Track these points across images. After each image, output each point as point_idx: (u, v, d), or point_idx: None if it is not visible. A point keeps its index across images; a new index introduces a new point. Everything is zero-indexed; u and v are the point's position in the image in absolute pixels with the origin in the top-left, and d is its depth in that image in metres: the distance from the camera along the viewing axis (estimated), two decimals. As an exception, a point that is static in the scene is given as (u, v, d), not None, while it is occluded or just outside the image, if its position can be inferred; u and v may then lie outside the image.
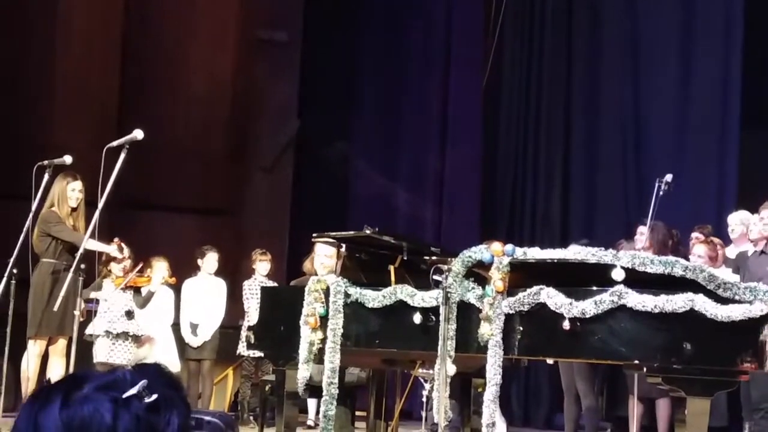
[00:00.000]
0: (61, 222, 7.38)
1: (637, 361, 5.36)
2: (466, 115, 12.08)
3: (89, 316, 8.04)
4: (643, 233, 7.84)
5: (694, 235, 8.07)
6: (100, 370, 7.84)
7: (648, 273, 5.25)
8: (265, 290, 7.78)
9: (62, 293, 6.62)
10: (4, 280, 6.78)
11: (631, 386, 7.50)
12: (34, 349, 7.31)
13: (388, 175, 12.35)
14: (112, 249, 7.90)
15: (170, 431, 1.29)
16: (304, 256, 7.75)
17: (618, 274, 5.29)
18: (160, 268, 8.35)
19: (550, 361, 7.90)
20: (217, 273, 9.46)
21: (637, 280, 5.27)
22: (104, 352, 8.04)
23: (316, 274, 7.07)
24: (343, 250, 6.69)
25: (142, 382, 1.29)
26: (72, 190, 7.48)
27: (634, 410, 7.53)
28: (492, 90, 12.07)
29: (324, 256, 7.01)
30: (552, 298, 5.38)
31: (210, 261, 9.34)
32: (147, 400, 1.28)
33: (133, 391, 1.27)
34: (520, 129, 11.78)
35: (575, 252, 5.61)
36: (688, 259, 6.61)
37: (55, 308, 6.79)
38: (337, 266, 6.74)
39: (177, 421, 1.30)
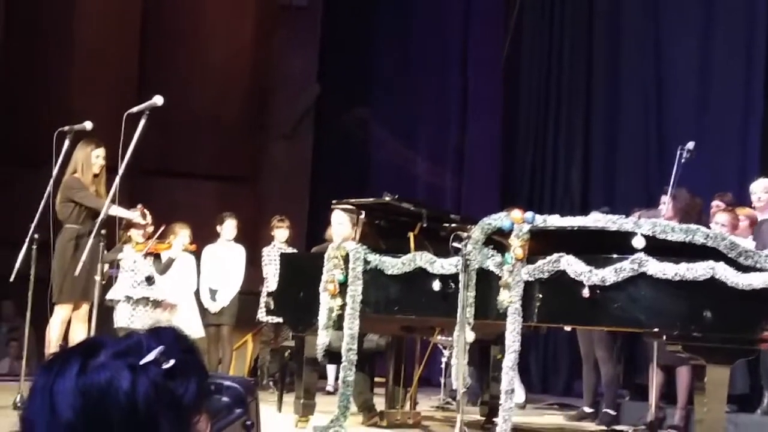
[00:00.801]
0: (84, 188, 7.40)
1: (657, 329, 5.35)
2: (487, 82, 12.02)
3: (111, 280, 8.08)
4: (665, 202, 7.79)
5: (715, 203, 8.01)
6: (120, 334, 7.91)
7: (669, 241, 5.23)
8: (284, 257, 7.80)
9: (83, 258, 6.65)
10: (26, 245, 6.82)
11: (651, 354, 7.49)
12: (59, 314, 7.35)
13: (408, 142, 12.32)
14: (135, 215, 7.93)
15: (188, 396, 1.29)
16: (324, 223, 7.73)
17: (638, 242, 5.27)
18: (182, 235, 8.36)
19: (567, 328, 7.90)
20: (237, 239, 9.47)
21: (657, 247, 5.25)
22: (125, 318, 8.08)
23: None
24: (362, 216, 6.70)
25: (160, 348, 1.28)
26: (96, 157, 7.49)
27: (654, 378, 7.52)
28: (513, 57, 12.00)
29: (337, 224, 6.99)
30: (572, 265, 5.37)
31: (228, 227, 9.36)
32: (164, 366, 1.27)
33: (150, 357, 1.26)
34: (541, 97, 11.71)
35: (595, 219, 5.59)
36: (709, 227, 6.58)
37: (76, 273, 6.82)
38: (355, 232, 6.74)
39: (195, 386, 1.30)
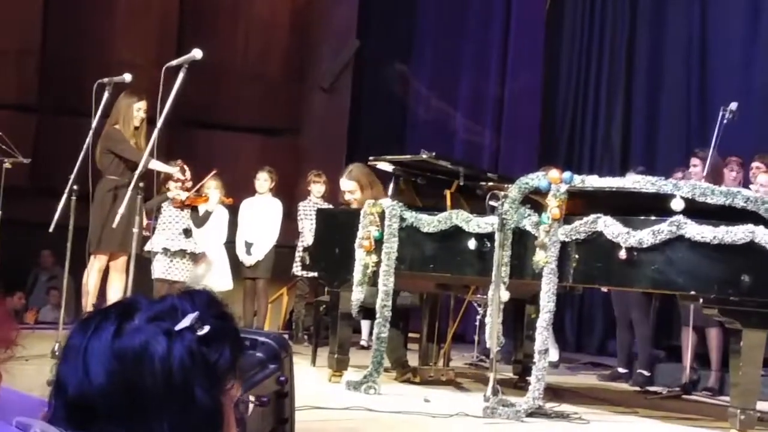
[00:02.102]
0: (124, 140, 7.44)
1: (693, 292, 5.31)
2: (527, 39, 11.88)
3: (150, 230, 8.15)
4: (696, 164, 7.70)
5: (755, 164, 7.87)
6: (158, 285, 7.99)
7: (708, 204, 5.18)
8: (321, 212, 7.81)
9: (121, 210, 6.70)
10: (65, 195, 6.88)
11: (686, 317, 7.46)
12: (95, 264, 7.43)
13: (447, 98, 12.23)
14: (174, 170, 7.98)
15: (222, 362, 1.29)
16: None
17: (677, 204, 5.23)
18: (211, 187, 8.39)
19: (604, 288, 7.87)
20: (276, 192, 9.49)
21: (696, 210, 5.21)
22: (162, 269, 8.17)
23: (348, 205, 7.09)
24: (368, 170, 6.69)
25: (195, 314, 1.28)
26: (138, 110, 7.52)
27: (689, 340, 7.50)
28: (555, 13, 11.84)
29: (348, 194, 7.00)
30: (609, 227, 5.35)
31: (259, 181, 9.35)
32: (199, 332, 1.27)
33: (185, 323, 1.26)
34: (582, 54, 11.57)
35: (634, 181, 5.55)
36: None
37: (114, 225, 6.88)
38: (388, 189, 6.71)
39: (228, 352, 1.30)
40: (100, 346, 1.25)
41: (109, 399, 1.23)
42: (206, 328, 1.27)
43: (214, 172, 8.32)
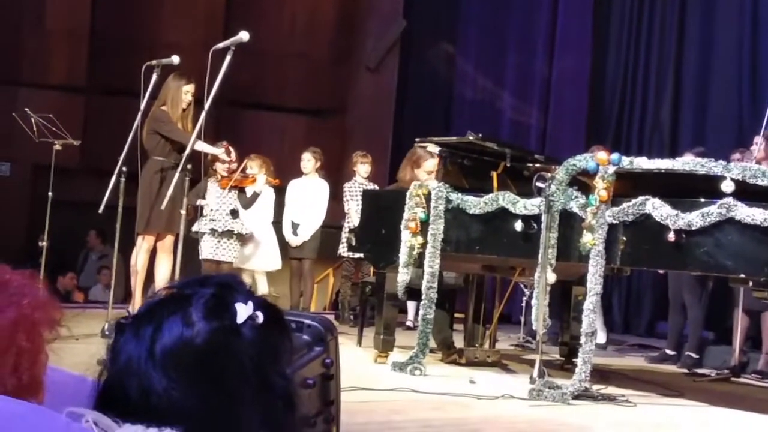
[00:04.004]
0: (171, 122, 7.48)
1: (743, 275, 5.26)
2: (576, 18, 11.77)
3: (196, 213, 8.20)
4: (758, 143, 7.59)
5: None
6: (205, 266, 8.06)
7: (759, 185, 5.11)
8: (367, 194, 7.81)
9: (169, 192, 6.76)
10: (114, 176, 6.94)
11: (737, 299, 7.38)
12: (142, 244, 7.50)
13: (494, 78, 12.17)
14: (220, 152, 8.02)
15: (283, 344, 1.31)
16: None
17: (727, 186, 5.17)
18: (253, 167, 8.41)
19: (661, 270, 7.80)
20: (321, 172, 9.48)
21: (747, 192, 5.14)
22: (210, 250, 8.24)
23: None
24: (436, 151, 6.63)
25: (250, 304, 1.28)
26: (186, 93, 7.55)
27: (739, 322, 7.43)
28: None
29: (434, 173, 6.91)
30: (658, 209, 5.30)
31: (304, 161, 9.33)
32: (257, 321, 1.27)
33: (243, 315, 1.27)
34: (632, 33, 11.43)
35: (683, 162, 5.49)
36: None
37: (162, 207, 6.93)
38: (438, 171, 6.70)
39: (284, 332, 1.33)
40: (165, 354, 1.24)
41: (186, 407, 1.22)
42: (261, 315, 1.28)
43: (244, 163, 8.34)
